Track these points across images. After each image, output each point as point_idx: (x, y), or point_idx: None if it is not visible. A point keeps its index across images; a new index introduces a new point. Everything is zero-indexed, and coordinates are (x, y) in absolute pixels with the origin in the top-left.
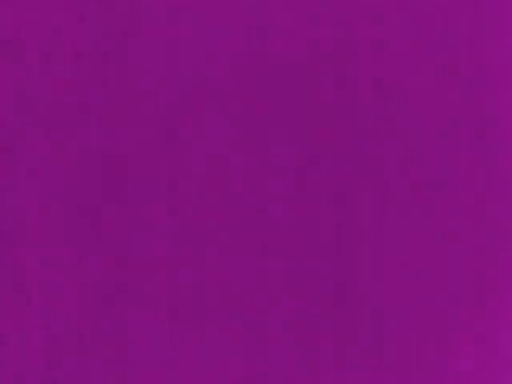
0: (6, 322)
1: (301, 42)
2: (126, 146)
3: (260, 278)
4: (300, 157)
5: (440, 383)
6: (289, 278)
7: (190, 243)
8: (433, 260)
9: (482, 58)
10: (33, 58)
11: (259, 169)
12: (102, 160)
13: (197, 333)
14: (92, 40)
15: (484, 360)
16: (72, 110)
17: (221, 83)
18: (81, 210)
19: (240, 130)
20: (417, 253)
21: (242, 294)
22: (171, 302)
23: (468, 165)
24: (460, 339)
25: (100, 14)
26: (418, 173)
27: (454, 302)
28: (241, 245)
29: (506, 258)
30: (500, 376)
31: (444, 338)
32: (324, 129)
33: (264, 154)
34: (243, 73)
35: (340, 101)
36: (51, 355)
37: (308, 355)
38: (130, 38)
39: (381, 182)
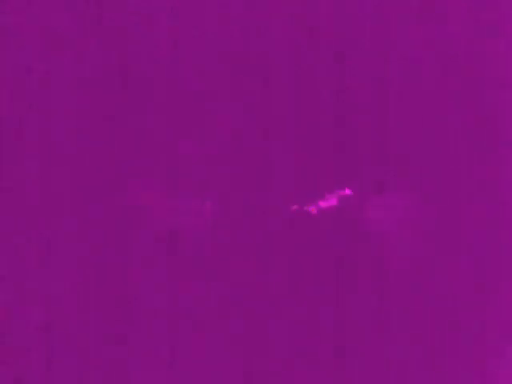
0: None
1: (300, 38)
2: (126, 143)
3: (261, 280)
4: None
5: (440, 383)
6: (288, 279)
7: (190, 245)
8: (434, 257)
9: (482, 58)
10: (33, 56)
11: (261, 163)
12: (104, 161)
13: (196, 335)
14: (93, 40)
15: (484, 360)
16: (71, 109)
17: (223, 77)
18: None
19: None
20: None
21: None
22: (171, 311)
23: (467, 164)
24: (460, 340)
25: (100, 15)
26: (417, 171)
27: (455, 303)
28: (242, 246)
29: (507, 258)
30: (499, 376)
31: (444, 338)
32: (322, 128)
33: (265, 151)
34: (246, 62)
35: (339, 102)
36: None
37: (307, 357)
38: (131, 36)
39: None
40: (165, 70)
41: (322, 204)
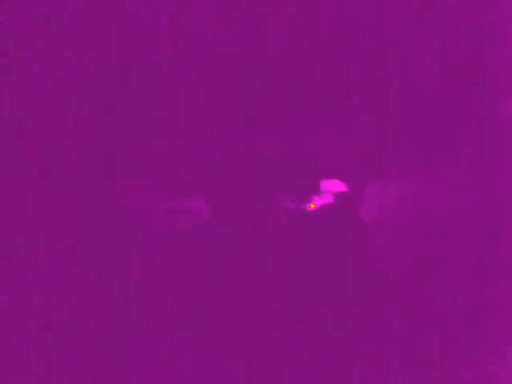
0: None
1: (301, 36)
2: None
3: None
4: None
5: (440, 383)
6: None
7: (188, 244)
8: (434, 260)
9: (482, 58)
10: (33, 56)
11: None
12: (104, 161)
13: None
14: (93, 40)
15: (483, 359)
16: (71, 109)
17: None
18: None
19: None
20: (417, 254)
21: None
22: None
23: (467, 162)
24: (460, 340)
25: (100, 15)
26: (417, 170)
27: (455, 302)
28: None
29: (507, 256)
30: (499, 376)
31: (444, 339)
32: (322, 127)
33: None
34: (246, 62)
35: (339, 102)
36: None
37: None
38: (131, 36)
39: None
40: (165, 70)
41: (320, 200)
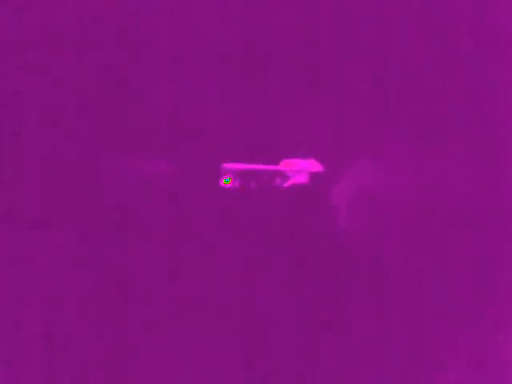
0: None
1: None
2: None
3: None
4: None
5: (439, 382)
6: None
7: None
8: (433, 257)
9: (482, 58)
10: (33, 56)
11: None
12: (104, 160)
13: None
14: (93, 40)
15: (483, 359)
16: (71, 110)
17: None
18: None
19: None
20: (417, 253)
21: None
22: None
23: (468, 161)
24: (459, 339)
25: (100, 15)
26: (419, 165)
27: (454, 302)
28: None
29: (507, 258)
30: (499, 376)
31: (444, 338)
32: (321, 125)
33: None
34: (246, 62)
35: (339, 101)
36: None
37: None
38: (131, 36)
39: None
40: (165, 71)
41: (291, 179)
